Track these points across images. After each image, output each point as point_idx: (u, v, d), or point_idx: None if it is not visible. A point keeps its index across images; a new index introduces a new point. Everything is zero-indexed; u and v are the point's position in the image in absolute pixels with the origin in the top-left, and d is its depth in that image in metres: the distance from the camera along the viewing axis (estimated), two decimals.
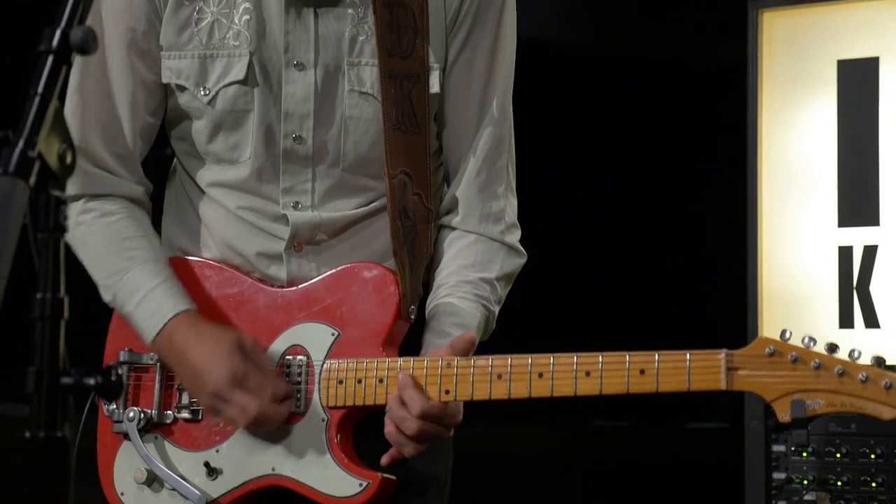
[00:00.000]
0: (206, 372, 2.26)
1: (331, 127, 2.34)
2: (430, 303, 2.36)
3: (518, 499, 4.63)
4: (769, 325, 3.66)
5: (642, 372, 2.13)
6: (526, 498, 4.61)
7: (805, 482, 3.54)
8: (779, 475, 3.58)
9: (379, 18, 2.31)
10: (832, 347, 2.07)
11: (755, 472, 3.63)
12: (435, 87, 2.36)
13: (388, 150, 2.33)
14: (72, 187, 2.31)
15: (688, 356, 2.12)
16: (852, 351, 2.06)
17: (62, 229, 1.52)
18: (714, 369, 2.10)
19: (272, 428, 2.29)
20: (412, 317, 2.32)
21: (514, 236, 2.44)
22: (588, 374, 2.15)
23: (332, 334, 2.31)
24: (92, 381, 1.55)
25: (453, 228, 2.41)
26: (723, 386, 2.09)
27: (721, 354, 2.11)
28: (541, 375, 2.17)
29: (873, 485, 3.50)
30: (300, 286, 2.36)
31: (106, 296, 2.37)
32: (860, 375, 2.03)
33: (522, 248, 2.45)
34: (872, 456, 3.50)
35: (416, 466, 2.33)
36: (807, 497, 3.54)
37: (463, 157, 2.40)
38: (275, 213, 2.37)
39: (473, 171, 2.40)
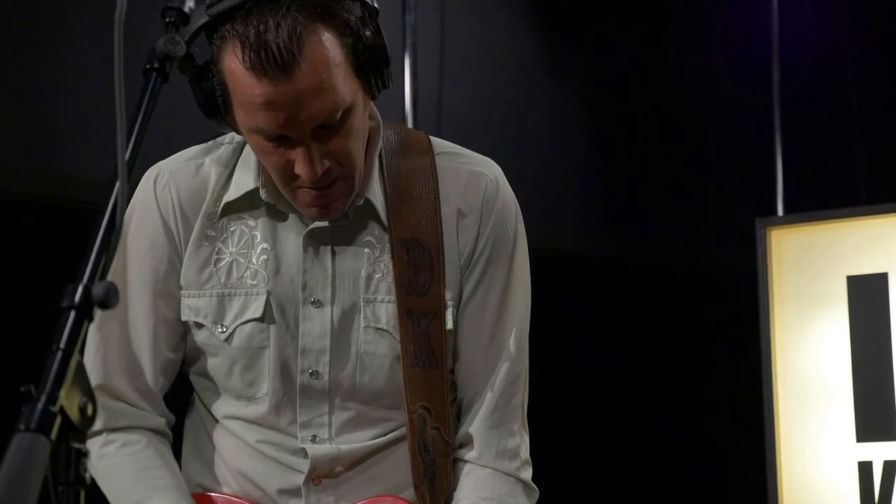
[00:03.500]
0: None
1: (347, 362, 2.37)
2: None
3: None
4: None
5: None
6: None
7: None
8: None
9: (396, 258, 2.35)
10: None
11: None
12: (449, 323, 2.39)
13: (407, 386, 2.35)
14: (94, 423, 2.34)
15: None
16: None
17: (83, 482, 1.53)
18: None
19: None
20: None
21: (528, 473, 2.45)
22: None
23: None
24: None
25: (468, 462, 2.42)
26: None
27: None
28: None
29: None
30: None
31: None
32: None
33: (535, 486, 2.46)
34: None
35: None
36: None
37: (478, 393, 2.42)
38: (293, 446, 2.38)
39: (489, 408, 2.41)
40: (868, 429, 3.63)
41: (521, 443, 2.44)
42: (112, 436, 2.39)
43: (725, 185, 4.99)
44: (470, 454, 2.41)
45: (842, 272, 3.71)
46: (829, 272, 3.73)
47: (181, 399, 2.54)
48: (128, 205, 1.67)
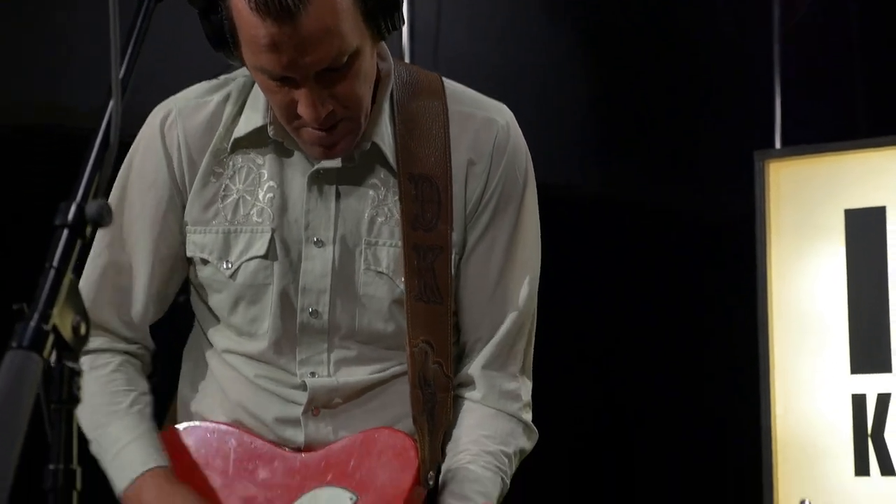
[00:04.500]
0: None
1: (346, 303, 2.36)
2: (450, 466, 2.36)
3: None
4: (784, 474, 3.63)
5: None
6: None
7: None
8: None
9: (404, 192, 2.34)
10: None
11: None
12: (452, 268, 2.39)
13: (409, 320, 2.34)
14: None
15: None
16: None
17: (76, 400, 1.52)
18: None
19: None
20: (430, 483, 2.32)
21: (529, 415, 2.46)
22: None
23: (351, 499, 2.31)
24: None
25: (470, 401, 2.43)
26: None
27: None
28: None
29: None
30: (319, 451, 2.36)
31: (92, 447, 2.38)
32: None
33: (535, 428, 2.47)
34: None
35: None
36: None
37: (480, 339, 2.42)
38: (292, 381, 2.39)
39: (491, 355, 2.42)
40: (862, 361, 3.63)
41: (522, 386, 2.44)
42: (83, 358, 2.40)
43: (724, 119, 4.96)
44: (472, 394, 2.41)
45: (840, 205, 3.70)
46: (826, 205, 3.72)
47: (182, 331, 2.56)
48: (121, 124, 1.66)
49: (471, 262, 2.40)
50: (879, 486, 3.55)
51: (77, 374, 1.53)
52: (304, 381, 2.36)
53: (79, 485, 1.51)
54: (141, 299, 2.41)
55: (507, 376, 2.42)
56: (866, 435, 3.59)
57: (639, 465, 4.78)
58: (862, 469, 3.58)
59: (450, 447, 2.38)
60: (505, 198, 2.39)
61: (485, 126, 2.38)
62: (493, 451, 2.37)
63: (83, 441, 1.57)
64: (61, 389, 1.53)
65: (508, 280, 2.41)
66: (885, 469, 3.56)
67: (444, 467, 2.36)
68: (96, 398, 2.37)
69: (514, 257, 2.42)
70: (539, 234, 2.47)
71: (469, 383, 2.42)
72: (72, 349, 1.53)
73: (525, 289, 2.43)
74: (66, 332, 1.51)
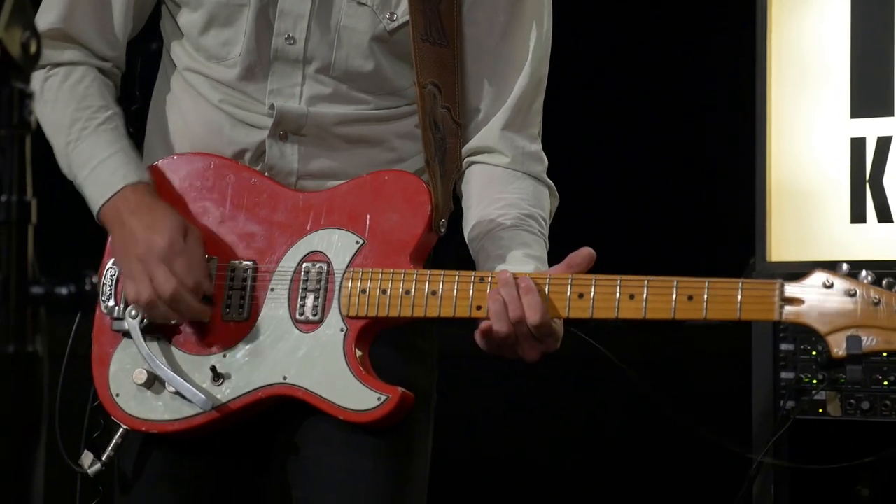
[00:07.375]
0: (142, 237, 2.21)
1: (325, 33, 2.29)
2: (489, 228, 2.29)
3: (510, 397, 4.56)
4: (778, 220, 3.58)
5: (690, 298, 2.05)
6: (519, 396, 4.55)
7: (814, 381, 3.47)
8: (787, 374, 3.51)
9: None
10: (891, 284, 2.04)
11: (763, 372, 3.56)
12: (457, 12, 2.34)
13: (417, 61, 2.27)
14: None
15: (740, 285, 2.05)
16: None
17: (27, 126, 1.41)
18: (768, 300, 2.04)
19: (177, 319, 2.24)
20: (442, 230, 2.26)
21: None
22: (632, 297, 2.07)
23: (357, 242, 2.24)
24: (64, 291, 1.44)
25: (497, 166, 2.36)
26: (776, 317, 2.03)
27: (776, 285, 2.04)
28: (581, 296, 2.09)
29: (885, 383, 3.43)
30: (323, 191, 2.29)
31: (63, 166, 2.33)
32: None
33: (557, 192, 2.43)
34: (884, 354, 3.41)
35: (408, 379, 2.26)
36: (816, 396, 3.47)
37: (492, 95, 2.36)
38: (260, 110, 2.35)
39: (511, 113, 2.36)
40: (863, 104, 3.54)
41: (541, 147, 2.41)
42: (56, 69, 2.36)
43: None
44: (497, 159, 2.37)
45: None
46: None
47: (148, 66, 2.53)
48: None
49: (476, 5, 2.33)
50: (875, 233, 3.49)
51: (28, 96, 1.41)
52: (273, 104, 2.30)
53: (34, 217, 1.41)
54: (120, 13, 2.35)
55: (527, 137, 2.38)
56: (864, 180, 3.52)
57: (629, 215, 4.73)
58: (858, 215, 3.52)
59: (478, 209, 2.33)
60: None
61: None
62: (534, 215, 2.32)
63: (38, 170, 1.45)
64: (11, 113, 1.40)
65: (517, 29, 2.37)
66: (882, 215, 3.50)
67: (475, 227, 2.31)
68: (70, 112, 2.32)
69: (524, 13, 2.35)
70: None
71: (489, 149, 2.37)
72: (21, 69, 1.40)
73: (535, 39, 2.36)
74: (15, 50, 1.39)
